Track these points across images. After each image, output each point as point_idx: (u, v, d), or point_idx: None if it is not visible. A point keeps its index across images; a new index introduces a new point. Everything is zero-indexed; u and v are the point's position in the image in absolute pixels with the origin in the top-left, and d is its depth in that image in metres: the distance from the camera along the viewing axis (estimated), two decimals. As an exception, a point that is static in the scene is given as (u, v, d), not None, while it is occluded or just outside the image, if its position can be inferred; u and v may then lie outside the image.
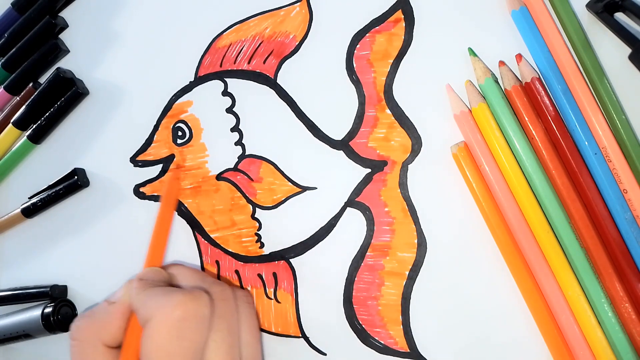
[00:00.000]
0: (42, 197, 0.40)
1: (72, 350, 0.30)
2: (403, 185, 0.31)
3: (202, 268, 0.36)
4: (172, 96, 0.37)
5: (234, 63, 0.36)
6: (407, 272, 0.31)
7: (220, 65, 0.36)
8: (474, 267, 0.30)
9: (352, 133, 0.32)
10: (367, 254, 0.32)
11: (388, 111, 0.32)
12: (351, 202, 0.32)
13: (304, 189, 0.33)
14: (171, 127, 0.37)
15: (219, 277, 0.35)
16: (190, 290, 0.29)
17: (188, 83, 0.37)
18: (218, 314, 0.29)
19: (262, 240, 0.34)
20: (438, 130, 0.31)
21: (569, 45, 0.27)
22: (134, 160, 0.39)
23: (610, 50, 0.27)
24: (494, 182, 0.28)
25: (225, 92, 0.36)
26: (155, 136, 0.38)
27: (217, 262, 0.34)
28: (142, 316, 0.29)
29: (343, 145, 0.33)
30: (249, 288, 0.35)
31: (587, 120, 0.27)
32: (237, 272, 0.35)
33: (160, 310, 0.28)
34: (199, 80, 0.37)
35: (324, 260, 0.33)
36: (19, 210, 0.42)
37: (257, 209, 0.34)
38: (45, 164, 0.42)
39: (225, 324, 0.29)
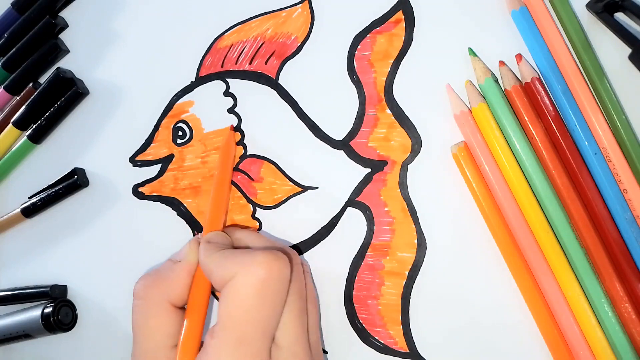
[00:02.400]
0: (42, 197, 0.40)
1: (136, 309, 0.30)
2: (403, 185, 0.31)
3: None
4: (173, 96, 0.37)
5: (236, 63, 0.36)
6: (407, 272, 0.31)
7: (222, 66, 0.36)
8: (473, 267, 0.30)
9: (353, 133, 0.32)
10: (368, 253, 0.32)
11: (388, 111, 0.32)
12: (352, 202, 0.32)
13: (305, 188, 0.33)
14: (171, 127, 0.37)
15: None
16: (272, 250, 0.28)
17: (189, 83, 0.37)
18: (292, 278, 0.28)
19: (262, 240, 0.34)
20: (438, 130, 0.31)
21: (569, 45, 0.27)
22: (133, 160, 0.39)
23: (610, 50, 0.27)
24: (494, 182, 0.28)
25: (227, 93, 0.36)
26: (155, 136, 0.38)
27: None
28: (219, 276, 0.28)
29: (343, 145, 0.33)
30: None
31: (587, 120, 0.27)
32: (237, 272, 0.35)
33: (243, 269, 0.27)
34: (200, 80, 0.37)
35: (324, 260, 0.33)
36: (19, 210, 0.42)
37: (257, 208, 0.35)
38: (45, 164, 0.42)
39: (297, 288, 0.29)
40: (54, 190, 0.40)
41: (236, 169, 0.35)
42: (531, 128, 0.28)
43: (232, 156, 0.35)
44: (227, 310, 0.27)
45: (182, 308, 0.30)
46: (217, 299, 0.35)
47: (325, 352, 0.32)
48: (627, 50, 0.26)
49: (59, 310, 0.39)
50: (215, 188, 0.33)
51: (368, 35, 0.32)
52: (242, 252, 0.28)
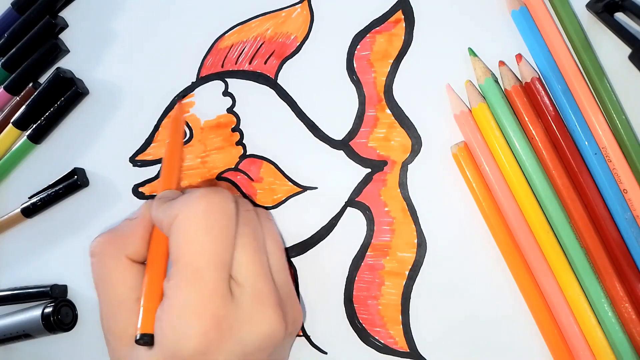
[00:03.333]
0: (42, 197, 0.40)
1: (94, 267, 0.30)
2: (403, 185, 0.31)
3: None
4: (174, 97, 0.37)
5: (236, 64, 0.36)
6: (407, 272, 0.31)
7: (222, 66, 0.36)
8: (473, 267, 0.30)
9: (353, 133, 0.32)
10: (367, 253, 0.32)
11: (388, 111, 0.32)
12: (351, 202, 0.32)
13: (305, 188, 0.33)
14: (171, 127, 0.37)
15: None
16: (213, 187, 0.29)
17: (190, 84, 0.37)
18: (242, 221, 0.29)
19: (262, 240, 0.34)
20: (438, 130, 0.31)
21: (569, 45, 0.27)
22: (133, 160, 0.39)
23: (610, 50, 0.27)
24: (494, 182, 0.28)
25: (226, 92, 0.36)
26: (155, 136, 0.38)
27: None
28: (166, 222, 0.28)
29: (343, 145, 0.33)
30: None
31: (587, 120, 0.27)
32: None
33: (184, 206, 0.27)
34: (201, 80, 0.37)
35: (324, 260, 0.33)
36: (19, 210, 0.42)
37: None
38: (45, 164, 0.42)
39: (250, 230, 0.29)
40: (54, 190, 0.40)
41: (236, 169, 0.35)
42: (531, 128, 0.27)
43: (181, 120, 0.36)
44: (176, 248, 0.27)
45: (143, 264, 0.30)
46: None
47: (324, 352, 0.32)
48: (627, 50, 0.26)
49: (59, 310, 0.39)
50: (166, 150, 0.34)
51: (368, 35, 0.32)
52: (184, 195, 0.29)
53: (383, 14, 0.32)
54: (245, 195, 0.35)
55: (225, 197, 0.28)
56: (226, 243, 0.27)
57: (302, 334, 0.33)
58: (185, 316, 0.26)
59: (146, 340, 0.27)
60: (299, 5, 0.34)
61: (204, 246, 0.27)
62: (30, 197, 0.41)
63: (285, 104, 0.34)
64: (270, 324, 0.27)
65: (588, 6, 0.27)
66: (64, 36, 0.42)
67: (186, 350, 0.26)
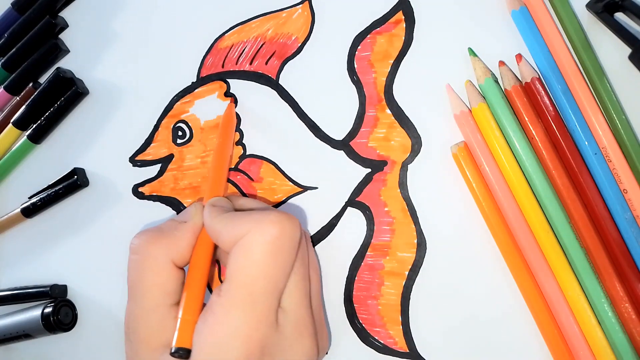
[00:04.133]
0: (42, 197, 0.40)
1: (134, 265, 0.29)
2: (403, 185, 0.31)
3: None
4: (174, 97, 0.37)
5: (236, 64, 0.36)
6: (406, 272, 0.31)
7: (222, 66, 0.36)
8: (473, 267, 0.30)
9: (353, 133, 0.32)
10: (367, 253, 0.32)
11: (388, 111, 0.32)
12: (351, 202, 0.32)
13: (305, 188, 0.33)
14: (171, 127, 0.37)
15: (220, 276, 0.35)
16: (284, 211, 0.28)
17: (190, 84, 0.37)
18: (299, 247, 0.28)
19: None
20: (438, 130, 0.31)
21: (569, 45, 0.27)
22: (133, 160, 0.39)
23: (610, 50, 0.27)
24: (494, 182, 0.28)
25: (228, 93, 0.36)
26: (155, 136, 0.38)
27: (217, 261, 0.34)
28: (229, 235, 0.27)
29: (344, 145, 0.33)
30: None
31: (587, 120, 0.27)
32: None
33: (256, 227, 0.26)
34: (201, 80, 0.37)
35: (324, 260, 0.33)
36: (18, 210, 0.42)
37: (257, 208, 0.34)
38: (45, 164, 0.42)
39: (302, 254, 0.28)
40: (54, 190, 0.40)
41: (235, 169, 0.35)
42: (531, 128, 0.28)
43: (233, 126, 0.35)
44: (237, 267, 0.26)
45: (182, 269, 0.30)
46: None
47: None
48: (627, 50, 0.26)
49: (59, 310, 0.39)
50: (215, 156, 0.33)
51: (368, 36, 0.32)
52: (253, 212, 0.28)
53: (383, 15, 0.32)
54: (245, 196, 0.35)
55: (295, 225, 0.27)
56: (286, 271, 0.27)
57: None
58: (232, 338, 0.25)
59: (181, 354, 0.26)
60: (300, 6, 0.34)
61: (267, 273, 0.26)
62: (30, 197, 0.41)
63: (286, 104, 0.34)
64: (306, 354, 0.27)
65: (588, 6, 0.27)
66: (64, 36, 0.42)
67: None
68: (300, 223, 0.29)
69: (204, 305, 0.28)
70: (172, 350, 0.26)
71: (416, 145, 0.31)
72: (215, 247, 0.30)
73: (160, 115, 0.38)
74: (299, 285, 0.28)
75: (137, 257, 0.29)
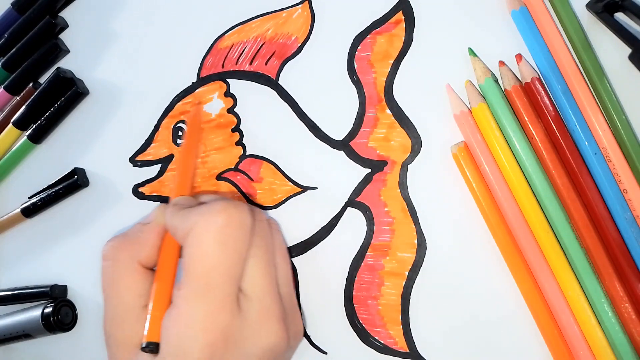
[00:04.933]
0: (42, 197, 0.40)
1: (105, 271, 0.30)
2: (403, 185, 0.31)
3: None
4: (175, 97, 0.37)
5: (236, 64, 0.36)
6: (406, 272, 0.31)
7: (222, 66, 0.36)
8: (473, 267, 0.30)
9: (353, 133, 0.32)
10: (367, 253, 0.32)
11: (388, 111, 0.32)
12: (351, 202, 0.32)
13: (305, 189, 0.33)
14: (172, 127, 0.37)
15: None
16: (231, 200, 0.28)
17: (190, 84, 0.37)
18: (256, 232, 0.29)
19: (262, 240, 0.34)
20: (438, 130, 0.31)
21: (569, 45, 0.27)
22: (133, 160, 0.39)
23: (610, 50, 0.27)
24: (494, 182, 0.28)
25: (227, 93, 0.36)
26: (155, 136, 0.38)
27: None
28: (181, 231, 0.28)
29: (343, 145, 0.33)
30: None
31: (587, 120, 0.27)
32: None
33: (202, 218, 0.27)
34: (201, 81, 0.37)
35: (324, 260, 0.33)
36: (19, 210, 0.42)
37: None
38: (45, 164, 0.42)
39: (263, 242, 0.29)
40: (54, 190, 0.40)
41: (235, 169, 0.35)
42: (531, 128, 0.28)
43: (199, 127, 0.36)
44: (190, 259, 0.27)
45: (152, 270, 0.30)
46: None
47: (324, 352, 0.32)
48: (627, 50, 0.26)
49: (59, 310, 0.39)
50: (182, 155, 0.34)
51: (368, 36, 0.32)
52: (203, 204, 0.29)
53: (383, 15, 0.32)
54: (245, 196, 0.35)
55: (243, 212, 0.28)
56: (239, 258, 0.27)
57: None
58: (193, 328, 0.26)
59: (152, 348, 0.27)
60: (300, 6, 0.34)
61: (218, 261, 0.27)
62: (30, 197, 0.41)
63: (286, 104, 0.34)
64: (274, 338, 0.28)
65: (588, 6, 0.27)
66: (64, 36, 0.42)
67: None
68: (259, 211, 0.30)
69: None
70: (143, 345, 0.27)
71: (416, 145, 0.31)
72: None
73: (161, 116, 0.38)
74: (262, 272, 0.28)
75: (107, 263, 0.30)
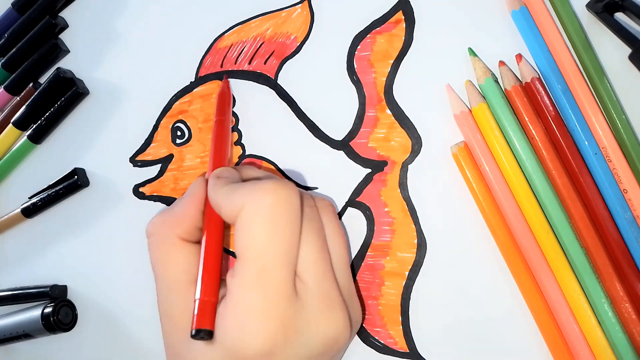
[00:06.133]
0: (42, 197, 0.40)
1: (150, 247, 0.29)
2: (403, 185, 0.31)
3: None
4: (172, 96, 0.37)
5: (235, 64, 0.36)
6: (407, 273, 0.31)
7: (221, 66, 0.36)
8: (473, 267, 0.30)
9: (353, 133, 0.32)
10: (368, 253, 0.32)
11: (388, 111, 0.32)
12: (352, 202, 0.32)
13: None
14: (170, 127, 0.37)
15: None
16: (280, 179, 0.27)
17: (189, 83, 0.37)
18: (306, 217, 0.27)
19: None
20: (438, 130, 0.31)
21: (569, 45, 0.27)
22: (133, 160, 0.39)
23: (610, 50, 0.27)
24: (494, 182, 0.28)
25: (227, 92, 0.36)
26: (155, 136, 0.38)
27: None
28: (229, 209, 0.27)
29: (343, 145, 0.33)
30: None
31: (587, 120, 0.27)
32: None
33: (251, 198, 0.26)
34: (199, 80, 0.37)
35: (324, 260, 0.33)
36: (19, 210, 0.42)
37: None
38: (45, 164, 0.42)
39: (314, 226, 0.27)
40: (54, 190, 0.40)
41: (236, 169, 0.35)
42: (531, 128, 0.27)
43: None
44: (243, 243, 0.26)
45: (195, 243, 0.29)
46: None
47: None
48: (627, 50, 0.26)
49: (59, 310, 0.39)
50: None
51: (368, 36, 0.32)
52: (249, 182, 0.27)
53: (383, 15, 0.32)
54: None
55: (292, 191, 0.26)
56: (293, 239, 0.26)
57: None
58: (251, 316, 0.25)
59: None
60: (299, 5, 0.34)
61: (271, 243, 0.25)
62: (30, 197, 0.41)
63: (285, 104, 0.34)
64: (337, 328, 0.27)
65: (588, 6, 0.27)
66: (64, 36, 0.42)
67: (250, 350, 0.25)
68: (310, 194, 0.29)
69: (222, 281, 0.28)
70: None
71: (416, 145, 0.31)
72: None
73: (160, 115, 0.38)
74: (316, 256, 0.27)
75: (150, 240, 0.29)
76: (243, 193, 0.26)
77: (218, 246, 0.28)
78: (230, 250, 0.35)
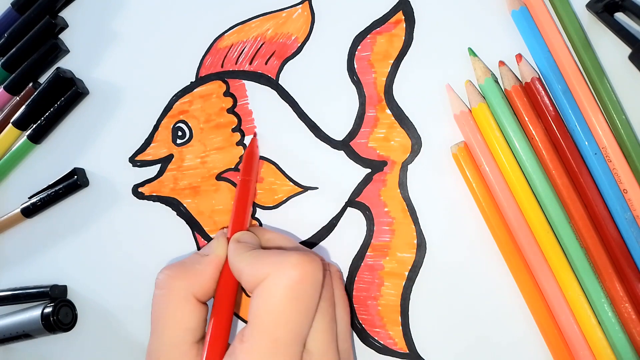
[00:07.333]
0: (41, 197, 0.40)
1: (157, 300, 0.28)
2: (403, 185, 0.31)
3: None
4: (173, 96, 0.37)
5: (236, 64, 0.36)
6: (406, 273, 0.31)
7: (222, 66, 0.36)
8: (473, 267, 0.30)
9: (353, 133, 0.32)
10: (367, 254, 0.32)
11: (388, 111, 0.32)
12: (351, 202, 0.32)
13: (305, 189, 0.33)
14: (171, 127, 0.37)
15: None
16: (306, 252, 0.27)
17: (189, 83, 0.37)
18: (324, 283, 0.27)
19: (262, 240, 0.34)
20: (438, 130, 0.31)
21: (569, 45, 0.27)
22: (133, 160, 0.39)
23: (610, 50, 0.27)
24: (494, 182, 0.28)
25: (227, 93, 0.36)
26: (155, 136, 0.38)
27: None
28: (251, 276, 0.27)
29: (344, 145, 0.33)
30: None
31: (587, 120, 0.27)
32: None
33: (276, 270, 0.26)
34: (200, 80, 0.37)
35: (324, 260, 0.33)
36: (18, 210, 0.42)
37: (257, 209, 0.35)
38: (45, 164, 0.42)
39: (328, 294, 0.28)
40: (54, 190, 0.40)
41: (236, 169, 0.35)
42: (531, 128, 0.28)
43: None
44: (259, 312, 0.26)
45: (204, 303, 0.29)
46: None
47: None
48: (627, 50, 0.26)
49: (59, 310, 0.39)
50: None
51: (368, 36, 0.32)
52: (274, 252, 0.27)
53: (383, 15, 0.32)
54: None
55: (317, 267, 0.26)
56: (310, 316, 0.26)
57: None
58: None
59: None
60: (300, 6, 0.34)
61: (290, 318, 0.25)
62: (30, 197, 0.41)
63: (286, 104, 0.34)
64: None
65: (588, 6, 0.27)
66: (64, 36, 0.42)
67: None
68: (324, 260, 0.29)
69: (228, 345, 0.28)
70: None
71: (416, 145, 0.31)
72: None
73: (160, 115, 0.38)
74: (325, 326, 0.27)
75: (160, 292, 0.29)
76: (268, 263, 0.26)
77: (230, 311, 0.29)
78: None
